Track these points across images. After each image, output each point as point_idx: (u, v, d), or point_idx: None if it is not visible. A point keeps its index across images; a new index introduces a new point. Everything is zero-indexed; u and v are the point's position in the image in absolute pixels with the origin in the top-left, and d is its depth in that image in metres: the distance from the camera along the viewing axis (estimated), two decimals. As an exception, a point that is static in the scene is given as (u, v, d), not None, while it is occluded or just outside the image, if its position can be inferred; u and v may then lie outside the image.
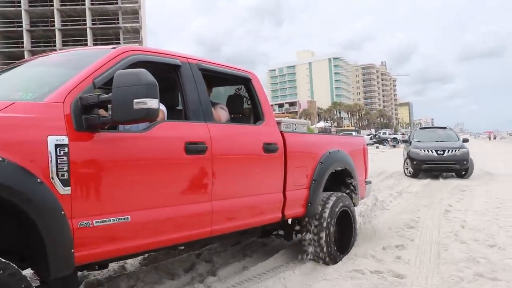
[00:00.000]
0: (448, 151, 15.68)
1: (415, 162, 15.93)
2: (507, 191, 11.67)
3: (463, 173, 15.70)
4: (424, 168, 15.86)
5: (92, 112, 2.92)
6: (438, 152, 15.72)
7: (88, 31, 65.13)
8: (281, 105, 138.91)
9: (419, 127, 19.10)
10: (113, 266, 4.93)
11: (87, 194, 2.85)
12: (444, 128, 18.65)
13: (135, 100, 2.78)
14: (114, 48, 3.46)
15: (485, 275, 4.61)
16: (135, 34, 66.47)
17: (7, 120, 2.59)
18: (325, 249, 5.07)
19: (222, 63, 4.49)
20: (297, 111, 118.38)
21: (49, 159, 2.65)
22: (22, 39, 63.39)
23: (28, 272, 2.85)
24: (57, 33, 64.39)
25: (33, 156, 2.59)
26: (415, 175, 16.24)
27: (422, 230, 6.98)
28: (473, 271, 4.71)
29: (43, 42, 63.76)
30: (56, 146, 2.68)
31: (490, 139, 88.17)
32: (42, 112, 2.76)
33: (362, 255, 5.40)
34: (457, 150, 15.67)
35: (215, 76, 4.46)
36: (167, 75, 3.98)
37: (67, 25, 65.93)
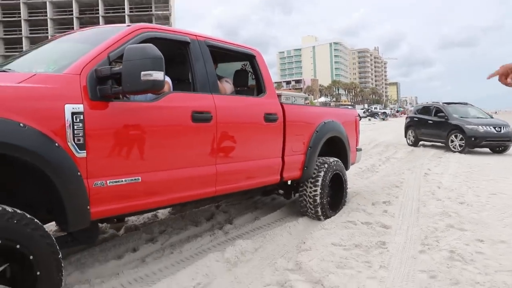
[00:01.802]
0: (502, 127, 13.40)
1: (473, 139, 13.18)
2: (476, 158, 12.02)
3: (501, 148, 13.63)
4: (484, 144, 13.36)
5: (105, 83, 2.73)
6: (496, 128, 13.33)
7: (126, 18, 64.62)
8: (288, 82, 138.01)
9: (443, 102, 15.64)
10: (147, 214, 5.04)
11: (101, 157, 2.69)
12: (466, 104, 15.89)
13: (142, 72, 2.60)
14: (129, 26, 3.26)
15: (455, 226, 4.73)
16: (165, 20, 65.82)
17: (27, 89, 2.42)
18: (319, 208, 4.97)
19: (229, 41, 4.26)
20: (301, 88, 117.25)
21: (66, 125, 2.49)
22: (73, 24, 63.33)
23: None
24: (101, 19, 64.15)
25: (51, 123, 2.43)
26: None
27: (405, 189, 7.01)
28: (445, 223, 4.82)
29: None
30: (73, 113, 2.52)
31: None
32: (60, 83, 2.58)
33: (355, 209, 5.43)
34: (507, 127, 13.47)
35: (222, 52, 4.25)
36: (178, 51, 3.78)
37: (109, 13, 65.62)
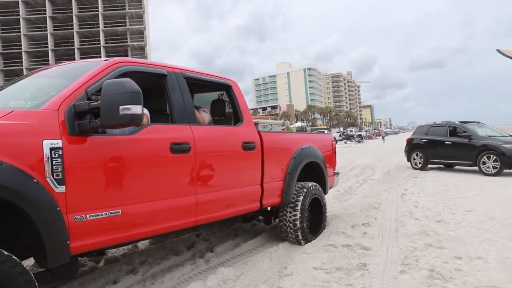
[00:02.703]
0: None
1: None
2: (450, 176, 12.22)
3: None
4: None
5: (84, 118, 2.74)
6: None
7: (102, 49, 64.49)
8: (264, 108, 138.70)
9: (459, 121, 14.40)
10: (127, 246, 4.91)
11: (80, 191, 2.67)
12: (478, 122, 14.78)
13: (120, 107, 2.62)
14: (106, 60, 3.28)
15: (433, 244, 4.81)
16: (141, 51, 65.93)
17: (5, 126, 2.41)
18: (299, 232, 4.99)
19: (205, 72, 4.32)
20: (278, 113, 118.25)
21: (45, 160, 2.48)
22: (48, 57, 62.80)
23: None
24: (76, 52, 63.77)
25: (29, 159, 2.42)
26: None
27: (384, 210, 7.10)
28: (424, 242, 4.90)
29: (65, 60, 63.32)
30: (51, 149, 2.52)
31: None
32: (38, 118, 2.58)
33: (335, 232, 5.47)
34: None
35: (199, 83, 4.29)
36: (156, 83, 3.81)
37: (84, 45, 65.40)
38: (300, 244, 4.98)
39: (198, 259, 4.48)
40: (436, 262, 4.14)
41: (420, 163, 14.65)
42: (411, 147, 15.25)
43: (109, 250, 4.81)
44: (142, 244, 5.23)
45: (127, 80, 2.71)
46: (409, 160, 15.21)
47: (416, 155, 14.91)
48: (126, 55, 62.68)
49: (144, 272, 4.12)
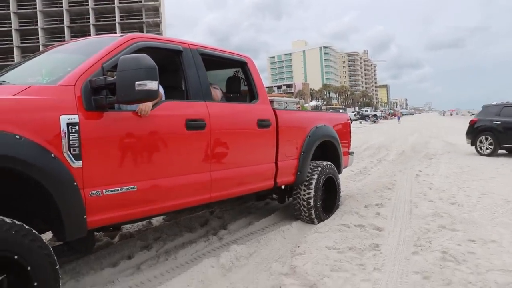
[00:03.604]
0: None
1: None
2: (465, 158, 11.98)
3: None
4: None
5: (100, 94, 2.75)
6: None
7: (117, 26, 64.44)
8: (279, 87, 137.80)
9: None
10: (142, 222, 5.03)
11: (97, 167, 2.70)
12: None
13: (136, 82, 2.62)
14: (122, 36, 3.27)
15: (447, 226, 4.75)
16: (156, 27, 65.71)
17: (23, 101, 2.43)
18: (313, 211, 4.99)
19: (221, 48, 4.30)
20: (293, 92, 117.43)
21: (62, 136, 2.50)
22: (64, 33, 62.97)
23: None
24: (91, 28, 63.87)
25: (47, 134, 2.44)
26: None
27: (398, 191, 7.03)
28: (437, 224, 4.84)
29: (81, 36, 63.48)
30: (68, 124, 2.54)
31: (451, 115, 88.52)
32: (55, 94, 2.60)
33: (348, 212, 5.44)
34: None
35: (215, 59, 4.27)
36: (171, 59, 3.80)
37: (100, 21, 65.40)
38: (313, 223, 5.00)
39: (211, 236, 4.51)
40: (449, 244, 4.11)
41: (488, 148, 12.66)
42: (477, 129, 13.04)
43: (124, 226, 4.87)
44: (156, 221, 5.27)
45: (143, 55, 2.70)
46: (473, 144, 13.08)
47: (485, 139, 12.75)
48: (141, 32, 62.55)
49: (158, 248, 4.17)
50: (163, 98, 3.57)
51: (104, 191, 2.72)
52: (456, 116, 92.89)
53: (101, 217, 2.73)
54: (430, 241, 4.23)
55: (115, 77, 2.71)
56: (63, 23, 63.71)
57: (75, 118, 2.57)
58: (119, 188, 2.82)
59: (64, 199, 2.46)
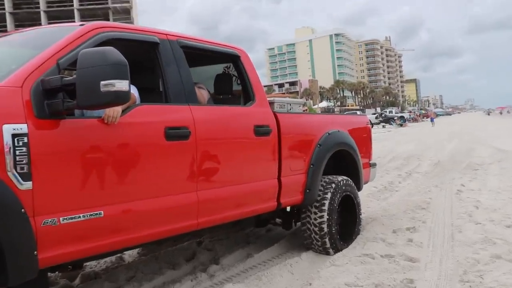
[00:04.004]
0: None
1: None
2: None
3: None
4: None
5: (56, 97, 2.74)
6: None
7: (76, 13, 64.72)
8: (281, 85, 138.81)
9: None
10: (110, 258, 5.00)
11: (52, 188, 2.68)
12: None
13: (102, 82, 2.60)
14: (82, 25, 3.28)
15: (503, 256, 4.61)
16: (125, 14, 66.08)
17: None
18: (326, 238, 4.97)
19: (207, 39, 4.31)
20: (298, 91, 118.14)
21: (5, 150, 2.48)
22: (5, 22, 62.83)
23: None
24: (42, 15, 63.96)
25: None
26: None
27: (434, 211, 6.98)
28: (489, 253, 4.72)
29: (28, 25, 63.42)
30: (14, 135, 2.51)
31: (501, 114, 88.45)
32: None
33: (372, 238, 5.42)
34: None
35: (199, 53, 4.29)
36: (145, 54, 3.82)
37: (52, 7, 65.52)
38: (328, 253, 4.98)
39: (200, 274, 4.47)
40: (509, 279, 3.99)
41: None
42: None
43: (88, 264, 4.83)
44: (129, 256, 5.24)
45: (110, 49, 2.69)
46: None
47: None
48: (107, 20, 62.68)
49: (132, 290, 4.12)
50: (137, 101, 3.57)
51: (61, 219, 2.70)
52: (507, 115, 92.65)
53: (57, 253, 2.70)
54: (481, 276, 4.13)
55: (74, 76, 2.70)
56: (4, 9, 63.26)
57: (22, 128, 2.56)
58: (81, 215, 2.80)
59: (7, 231, 2.42)
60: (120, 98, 2.66)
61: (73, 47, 3.03)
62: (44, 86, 2.73)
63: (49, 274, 4.11)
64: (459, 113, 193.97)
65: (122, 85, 2.64)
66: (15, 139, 2.51)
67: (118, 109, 3.00)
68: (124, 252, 5.08)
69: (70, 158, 2.78)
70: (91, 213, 2.86)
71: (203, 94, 4.37)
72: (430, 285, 4.02)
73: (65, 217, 2.72)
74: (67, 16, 63.45)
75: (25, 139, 2.55)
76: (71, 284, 4.42)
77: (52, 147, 2.70)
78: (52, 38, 3.14)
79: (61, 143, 2.74)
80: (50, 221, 2.65)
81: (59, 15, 63.36)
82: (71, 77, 2.73)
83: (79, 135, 2.85)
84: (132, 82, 3.12)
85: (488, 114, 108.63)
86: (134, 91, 3.51)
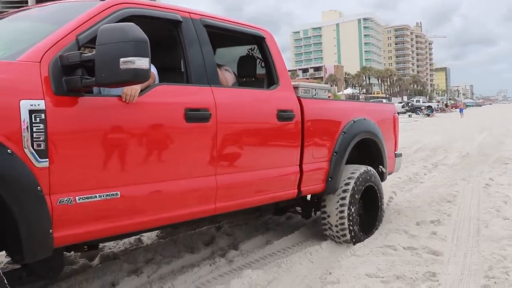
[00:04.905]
0: None
1: None
2: None
3: None
4: None
5: (74, 73, 2.73)
6: None
7: (99, -10, 64.77)
8: (305, 70, 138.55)
9: None
10: (129, 239, 5.06)
11: (68, 167, 2.69)
12: None
13: (121, 59, 2.59)
14: (103, 0, 3.26)
15: None
16: (149, -7, 65.92)
17: None
18: (347, 230, 4.95)
19: (231, 19, 4.28)
20: (322, 77, 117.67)
21: (22, 127, 2.48)
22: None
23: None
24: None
25: (2, 124, 2.42)
26: None
27: (460, 205, 6.94)
28: None
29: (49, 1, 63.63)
30: (31, 112, 2.52)
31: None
32: (13, 73, 2.58)
33: (395, 230, 5.41)
34: None
35: (223, 34, 4.27)
36: (167, 33, 3.80)
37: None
38: (348, 244, 4.97)
39: (218, 259, 4.50)
40: (536, 277, 3.96)
41: None
42: None
43: (107, 245, 4.90)
44: (147, 238, 5.29)
45: (130, 25, 2.68)
46: None
47: None
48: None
49: (150, 273, 4.15)
50: (156, 81, 3.56)
51: (77, 198, 2.71)
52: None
53: (72, 232, 2.72)
54: (507, 272, 4.09)
55: (93, 52, 2.69)
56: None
57: (40, 104, 2.56)
58: (97, 195, 2.81)
59: (23, 209, 2.44)
60: (139, 76, 2.65)
61: (93, 23, 3.01)
62: (62, 62, 2.72)
63: (68, 254, 4.19)
64: (490, 104, 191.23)
65: (142, 62, 2.63)
66: (32, 116, 2.51)
67: (137, 87, 2.99)
68: (143, 234, 5.16)
69: (87, 136, 2.79)
70: (108, 193, 2.87)
71: (227, 77, 4.35)
72: (453, 279, 3.99)
73: (81, 197, 2.74)
74: (90, -7, 63.59)
75: (42, 116, 2.55)
76: (90, 263, 4.48)
77: (70, 124, 2.70)
78: (72, 14, 3.12)
79: (78, 121, 2.75)
80: (66, 200, 2.67)
81: (82, -8, 63.49)
82: (90, 54, 2.72)
83: (97, 113, 2.85)
84: (153, 61, 3.11)
85: None
86: (153, 70, 3.51)
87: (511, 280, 3.92)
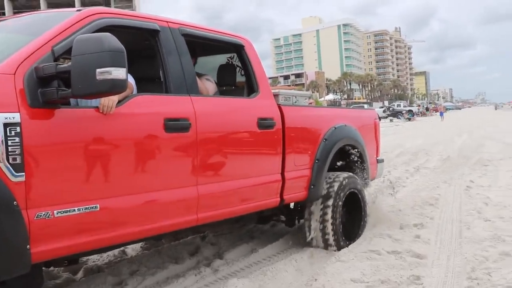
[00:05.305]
0: None
1: None
2: None
3: None
4: None
5: (50, 85, 2.70)
6: None
7: (76, 0, 64.55)
8: (287, 77, 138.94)
9: None
10: (113, 251, 5.01)
11: (46, 181, 2.66)
12: None
13: (98, 70, 2.57)
14: (79, 10, 3.24)
15: None
16: (127, 2, 65.78)
17: None
18: (330, 237, 4.95)
19: (210, 28, 4.28)
20: (304, 83, 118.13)
21: (-3, 141, 2.44)
22: (3, 9, 62.69)
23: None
24: (42, 3, 63.77)
25: None
26: None
27: (442, 207, 7.01)
28: (498, 250, 4.73)
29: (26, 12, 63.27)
30: (6, 125, 2.48)
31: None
32: None
33: (379, 234, 5.43)
34: None
35: (202, 43, 4.27)
36: (145, 42, 3.79)
37: (53, -6, 65.43)
38: (332, 250, 4.97)
39: (203, 268, 4.48)
40: (517, 278, 4.01)
41: None
42: None
43: (90, 257, 4.85)
44: (132, 249, 5.26)
45: (107, 34, 2.66)
46: None
47: None
48: (109, 7, 62.61)
49: (135, 285, 4.12)
50: (135, 91, 3.54)
51: (55, 212, 2.67)
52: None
53: (51, 247, 2.69)
54: (489, 273, 4.14)
55: (69, 63, 2.66)
56: (2, -6, 63.00)
57: (15, 117, 2.52)
58: (76, 208, 2.78)
59: None
60: (116, 86, 2.63)
61: (69, 33, 2.99)
62: (38, 74, 2.69)
63: (52, 268, 4.14)
64: (469, 107, 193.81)
65: (119, 73, 2.61)
66: (7, 129, 2.48)
67: (114, 98, 2.97)
68: (127, 246, 5.11)
69: (64, 149, 2.76)
70: (87, 206, 2.84)
71: (207, 86, 4.35)
72: (437, 282, 4.03)
73: (60, 210, 2.70)
74: (68, 4, 63.28)
75: (18, 129, 2.52)
76: (74, 277, 4.43)
77: (46, 137, 2.67)
78: (47, 24, 3.10)
79: (55, 133, 2.72)
80: (44, 214, 2.63)
81: (59, 2, 63.25)
82: (66, 65, 2.69)
83: (74, 125, 2.82)
84: (131, 71, 3.08)
85: (495, 109, 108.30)
86: (131, 80, 3.49)
87: (493, 280, 3.97)
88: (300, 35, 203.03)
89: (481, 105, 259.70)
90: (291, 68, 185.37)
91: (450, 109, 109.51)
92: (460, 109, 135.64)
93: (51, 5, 62.45)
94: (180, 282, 4.14)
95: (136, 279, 4.22)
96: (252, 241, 5.48)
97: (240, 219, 4.73)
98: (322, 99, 78.33)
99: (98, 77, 2.57)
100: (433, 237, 5.37)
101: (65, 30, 2.99)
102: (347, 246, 5.09)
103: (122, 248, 5.10)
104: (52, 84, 2.70)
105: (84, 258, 4.68)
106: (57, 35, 2.94)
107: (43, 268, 3.28)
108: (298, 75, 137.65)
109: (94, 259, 4.89)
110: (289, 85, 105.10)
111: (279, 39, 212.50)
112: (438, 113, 62.17)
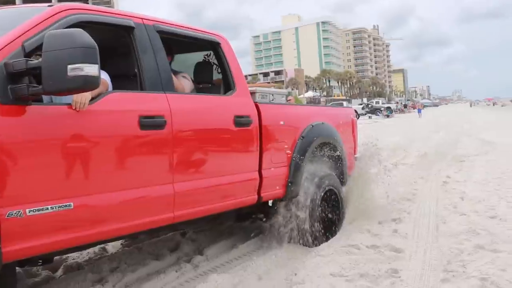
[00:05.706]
0: None
1: None
2: (510, 160, 11.65)
3: None
4: None
5: (20, 81, 2.66)
6: None
7: (53, -3, 63.87)
8: (266, 74, 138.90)
9: None
10: (93, 248, 4.99)
11: (17, 179, 2.62)
12: None
13: (69, 66, 2.55)
14: (51, 5, 3.20)
15: (486, 247, 4.70)
16: None
17: None
18: (309, 233, 4.97)
19: (185, 25, 4.26)
20: (283, 80, 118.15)
21: (-34, 139, 2.40)
22: (-21, 6, 61.89)
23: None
24: (18, -1, 62.97)
25: None
26: None
27: (419, 202, 7.11)
28: (473, 243, 4.81)
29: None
30: None
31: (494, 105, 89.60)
32: None
33: (357, 229, 5.47)
34: None
35: (179, 40, 4.26)
36: (120, 39, 3.75)
37: (29, -9, 64.65)
38: (311, 245, 5.00)
39: (184, 264, 4.50)
40: (490, 269, 4.06)
41: None
42: None
43: (70, 255, 4.81)
44: (112, 247, 5.23)
45: (78, 30, 2.64)
46: None
47: None
48: (86, 3, 62.03)
49: (115, 282, 4.10)
50: (110, 88, 3.51)
51: (27, 211, 2.64)
52: (494, 107, 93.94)
53: (23, 246, 2.65)
54: (464, 265, 4.21)
55: (40, 59, 2.63)
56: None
57: None
58: (49, 207, 2.74)
59: None
60: (89, 83, 2.61)
61: (40, 29, 2.95)
62: (7, 70, 2.65)
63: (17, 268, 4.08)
64: (446, 104, 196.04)
65: (91, 69, 2.59)
66: None
67: (87, 95, 2.94)
68: (107, 243, 5.09)
69: (36, 146, 2.73)
70: (60, 204, 2.81)
71: (184, 83, 4.33)
72: (415, 275, 4.07)
73: (32, 209, 2.67)
74: (43, 0, 62.62)
75: None
76: (53, 275, 4.39)
77: (17, 134, 2.63)
78: (18, 19, 3.06)
79: (26, 131, 2.68)
80: (16, 213, 2.59)
81: None
82: (37, 61, 2.66)
83: (46, 122, 2.79)
84: (106, 68, 3.05)
85: (470, 106, 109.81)
86: (105, 77, 3.46)
87: (468, 272, 4.03)
88: (279, 32, 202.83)
89: (458, 102, 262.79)
90: (270, 66, 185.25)
91: (427, 106, 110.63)
92: (437, 106, 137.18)
93: (27, 1, 61.70)
94: (161, 278, 4.14)
95: (117, 276, 4.21)
96: (232, 237, 5.50)
97: (218, 217, 4.68)
98: (302, 96, 78.48)
99: (69, 74, 2.54)
100: (411, 231, 5.44)
101: (36, 25, 2.95)
102: (326, 241, 5.11)
103: (102, 245, 5.07)
104: (23, 81, 2.66)
105: (64, 256, 4.65)
106: (27, 31, 2.89)
107: (17, 268, 3.24)
108: (278, 72, 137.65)
109: (74, 257, 4.85)
110: (268, 82, 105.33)
111: (259, 36, 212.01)
112: (416, 110, 62.71)
